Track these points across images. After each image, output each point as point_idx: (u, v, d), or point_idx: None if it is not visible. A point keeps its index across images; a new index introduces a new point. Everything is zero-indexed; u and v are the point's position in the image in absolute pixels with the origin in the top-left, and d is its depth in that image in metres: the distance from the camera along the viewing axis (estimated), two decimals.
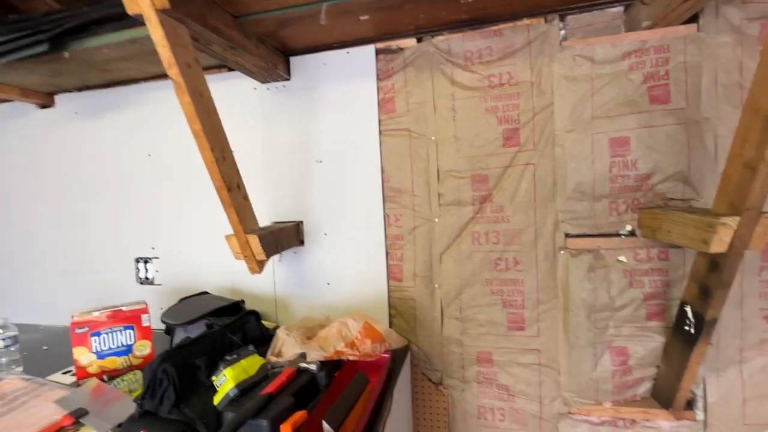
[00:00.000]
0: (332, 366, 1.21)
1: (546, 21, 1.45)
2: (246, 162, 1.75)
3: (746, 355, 1.36)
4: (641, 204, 1.39)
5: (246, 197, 1.41)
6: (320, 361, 1.19)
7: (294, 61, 1.71)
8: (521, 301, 1.53)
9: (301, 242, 1.72)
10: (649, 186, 1.38)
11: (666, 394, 1.40)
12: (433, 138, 1.59)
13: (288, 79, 1.71)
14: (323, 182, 1.71)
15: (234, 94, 1.76)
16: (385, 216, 1.66)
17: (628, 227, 1.41)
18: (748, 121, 0.93)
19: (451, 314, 1.61)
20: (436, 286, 1.62)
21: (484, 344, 1.58)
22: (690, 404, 1.41)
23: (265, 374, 1.18)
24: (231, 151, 1.32)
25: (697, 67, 1.33)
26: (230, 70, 1.74)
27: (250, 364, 1.18)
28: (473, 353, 1.59)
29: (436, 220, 1.60)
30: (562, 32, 1.46)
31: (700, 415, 1.41)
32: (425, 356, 1.65)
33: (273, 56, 1.59)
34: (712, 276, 1.12)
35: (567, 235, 1.48)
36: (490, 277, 1.55)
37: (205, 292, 1.78)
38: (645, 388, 1.47)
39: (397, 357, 1.48)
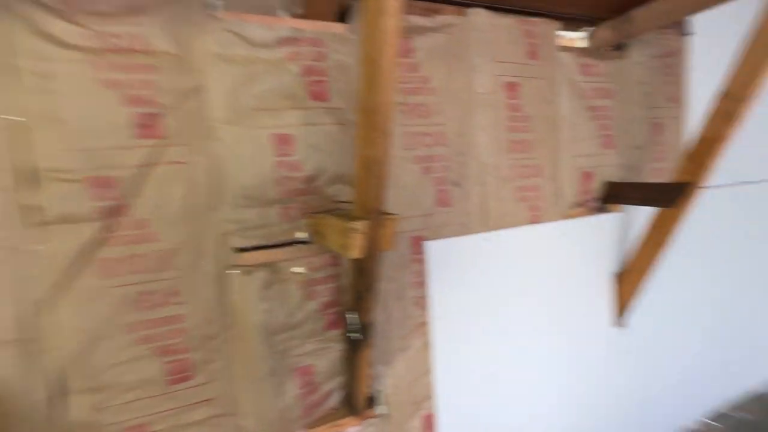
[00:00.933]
0: None
1: None
2: None
3: (408, 342, 1.49)
4: (312, 208, 1.29)
5: None
6: None
7: None
8: (184, 343, 1.16)
9: None
10: (316, 188, 1.29)
11: (351, 400, 1.38)
12: (17, 117, 0.99)
13: None
14: None
15: None
16: None
17: (301, 234, 1.28)
18: (360, 120, 0.87)
19: (79, 387, 1.07)
20: (41, 351, 1.03)
21: (137, 414, 1.13)
22: (371, 402, 1.44)
23: None
24: None
25: (351, 67, 1.32)
26: None
27: None
28: None
29: (36, 247, 1.02)
30: (219, 1, 1.17)
31: (383, 409, 1.46)
32: None
33: None
34: (361, 280, 1.09)
35: (238, 250, 1.22)
36: (134, 320, 1.11)
37: None
38: (335, 399, 1.40)
39: None
